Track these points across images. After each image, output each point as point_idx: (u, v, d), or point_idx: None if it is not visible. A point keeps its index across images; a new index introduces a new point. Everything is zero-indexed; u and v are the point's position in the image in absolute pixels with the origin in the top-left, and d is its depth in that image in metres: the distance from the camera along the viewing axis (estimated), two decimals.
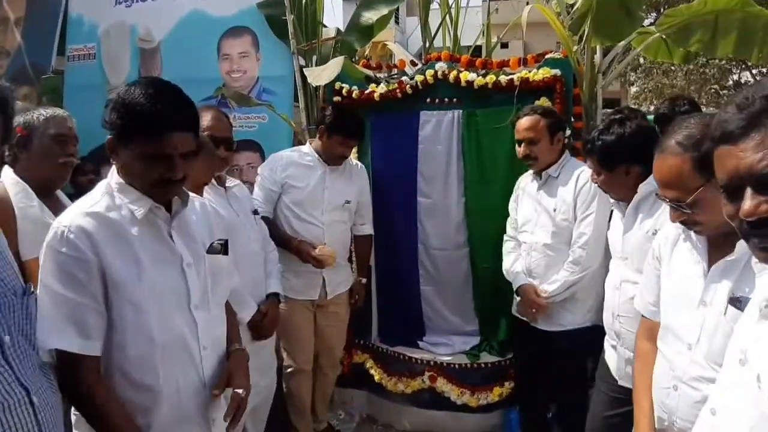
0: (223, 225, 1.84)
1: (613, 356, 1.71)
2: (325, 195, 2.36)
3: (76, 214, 1.11)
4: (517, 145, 2.15)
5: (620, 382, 1.69)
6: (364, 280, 2.53)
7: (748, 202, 0.71)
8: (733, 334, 0.98)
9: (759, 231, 0.71)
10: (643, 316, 1.37)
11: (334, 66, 2.21)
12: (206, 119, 1.88)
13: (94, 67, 3.30)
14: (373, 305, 2.86)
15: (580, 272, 2.00)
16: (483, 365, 2.61)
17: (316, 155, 2.38)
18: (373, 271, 2.82)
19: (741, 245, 1.06)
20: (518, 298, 2.17)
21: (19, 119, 1.54)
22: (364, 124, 2.47)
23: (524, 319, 2.18)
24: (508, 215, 2.38)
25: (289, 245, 2.28)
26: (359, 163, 2.61)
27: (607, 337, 1.76)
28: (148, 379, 1.12)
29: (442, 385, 2.58)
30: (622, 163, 1.65)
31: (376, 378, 2.72)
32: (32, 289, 0.96)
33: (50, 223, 1.45)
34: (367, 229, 2.57)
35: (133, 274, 1.12)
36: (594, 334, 1.88)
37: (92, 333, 1.08)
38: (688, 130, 1.14)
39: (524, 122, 2.09)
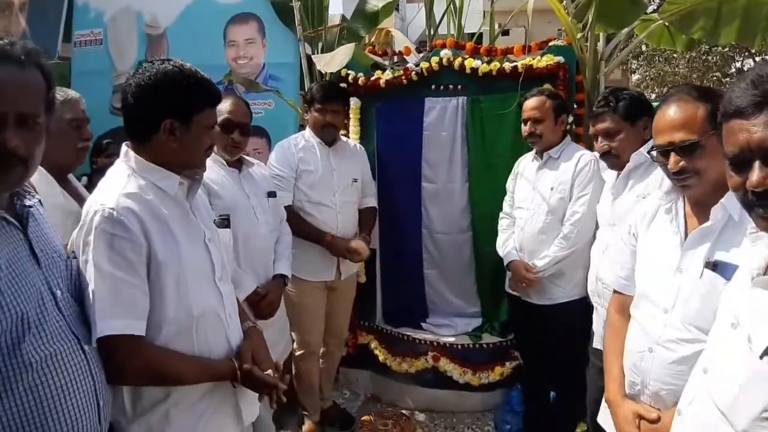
0: (222, 205, 1.91)
1: (595, 321, 1.83)
2: (335, 176, 2.40)
3: (116, 195, 1.11)
4: (522, 125, 2.20)
5: (595, 344, 1.81)
6: (369, 238, 2.50)
7: (757, 173, 0.76)
8: (709, 296, 1.06)
9: (764, 201, 0.77)
10: (615, 290, 1.45)
11: (345, 52, 2.24)
12: (226, 104, 1.95)
13: (100, 52, 3.33)
14: (378, 288, 2.94)
15: (569, 248, 2.08)
16: (485, 345, 2.70)
17: (316, 139, 2.42)
18: (377, 255, 2.89)
19: (714, 213, 1.13)
20: (510, 274, 2.26)
21: None
22: (340, 88, 2.49)
23: (516, 294, 2.27)
24: None
25: (322, 241, 2.32)
26: (357, 144, 2.65)
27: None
28: (184, 350, 1.17)
29: (445, 364, 2.67)
30: (644, 114, 1.76)
31: (381, 358, 2.80)
32: (73, 257, 1.05)
33: (73, 210, 1.48)
34: (371, 201, 2.61)
35: (174, 252, 1.15)
36: (583, 306, 2.00)
37: (143, 314, 1.11)
38: (696, 89, 1.20)
39: (531, 102, 2.16)
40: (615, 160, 1.82)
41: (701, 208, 1.18)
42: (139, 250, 1.09)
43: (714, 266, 1.11)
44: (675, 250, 1.21)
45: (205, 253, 1.24)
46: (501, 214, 2.40)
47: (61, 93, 1.69)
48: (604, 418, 1.40)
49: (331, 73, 2.76)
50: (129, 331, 1.07)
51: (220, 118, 1.92)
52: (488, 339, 2.73)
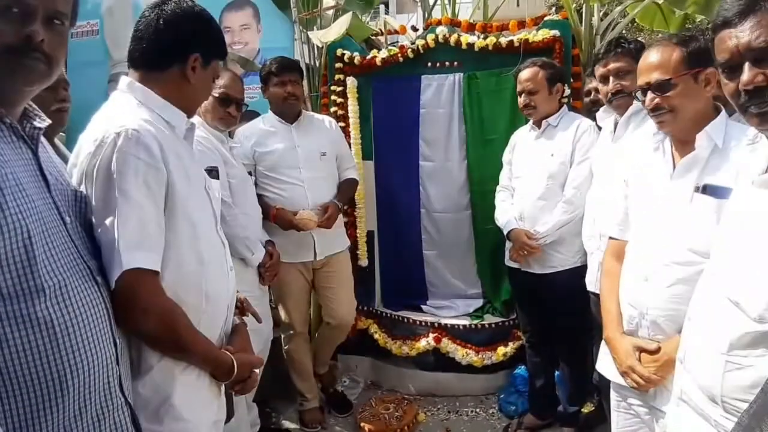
0: (233, 174, 1.95)
1: (593, 270, 1.84)
2: (299, 152, 2.30)
3: (136, 119, 1.02)
4: (518, 96, 2.18)
5: (589, 287, 1.85)
6: (339, 204, 2.37)
7: (747, 73, 0.83)
8: (701, 218, 1.13)
9: (755, 99, 0.83)
10: (610, 237, 1.46)
11: (342, 23, 2.23)
12: (224, 79, 1.94)
13: (97, 43, 3.33)
14: (377, 271, 2.88)
15: (572, 212, 2.04)
16: (487, 325, 2.63)
17: (276, 118, 2.35)
18: (375, 237, 2.85)
19: (699, 140, 1.19)
20: (510, 244, 2.21)
21: None
22: (295, 61, 2.42)
23: (516, 266, 2.22)
24: None
25: (268, 215, 2.21)
26: (327, 118, 2.54)
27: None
28: (192, 299, 1.06)
29: (447, 345, 2.59)
30: None
31: (381, 342, 2.73)
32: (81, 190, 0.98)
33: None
34: (351, 173, 2.48)
35: (186, 189, 1.05)
36: (585, 274, 1.95)
37: (161, 252, 1.00)
38: (677, 36, 1.28)
39: (524, 74, 2.15)
40: (626, 99, 1.77)
41: (685, 144, 1.23)
42: (161, 180, 1.00)
43: (704, 189, 1.16)
44: (665, 182, 1.25)
45: (207, 199, 1.16)
46: (498, 188, 2.36)
47: None
48: (603, 364, 1.36)
49: (327, 54, 2.76)
50: (154, 267, 0.97)
51: (218, 92, 1.94)
52: (490, 319, 2.66)
